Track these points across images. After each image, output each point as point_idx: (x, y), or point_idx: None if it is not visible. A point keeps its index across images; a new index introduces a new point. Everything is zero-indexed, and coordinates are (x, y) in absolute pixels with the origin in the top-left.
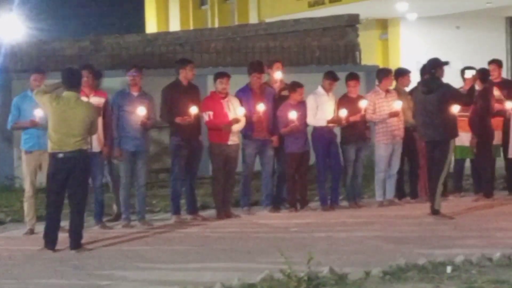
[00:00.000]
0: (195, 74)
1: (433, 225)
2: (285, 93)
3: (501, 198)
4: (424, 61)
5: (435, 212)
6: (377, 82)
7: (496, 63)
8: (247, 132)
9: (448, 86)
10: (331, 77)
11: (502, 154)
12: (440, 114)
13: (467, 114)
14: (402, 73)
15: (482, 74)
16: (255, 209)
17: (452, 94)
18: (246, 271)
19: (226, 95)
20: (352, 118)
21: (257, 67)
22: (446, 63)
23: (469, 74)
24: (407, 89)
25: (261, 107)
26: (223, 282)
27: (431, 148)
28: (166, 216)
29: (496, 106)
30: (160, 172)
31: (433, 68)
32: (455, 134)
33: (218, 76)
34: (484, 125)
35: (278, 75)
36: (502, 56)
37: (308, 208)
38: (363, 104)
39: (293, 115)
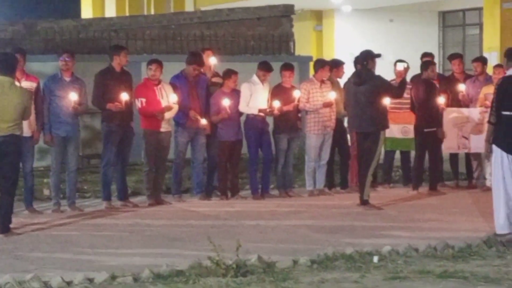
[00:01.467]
0: (128, 60)
1: (361, 215)
2: (216, 80)
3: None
4: (357, 53)
5: (364, 202)
6: (312, 72)
7: (431, 56)
8: (180, 119)
9: (379, 78)
10: (265, 68)
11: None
12: (371, 106)
13: (399, 106)
14: (336, 65)
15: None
16: (186, 196)
17: (383, 86)
18: (175, 258)
19: (159, 82)
20: (285, 108)
21: (196, 59)
22: (378, 55)
23: (400, 66)
24: (341, 80)
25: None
26: (152, 268)
27: (361, 139)
28: (96, 202)
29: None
30: (92, 158)
31: (365, 60)
32: (385, 126)
33: (149, 63)
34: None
35: (212, 60)
36: (434, 50)
37: (239, 196)
38: (296, 94)
39: (226, 102)
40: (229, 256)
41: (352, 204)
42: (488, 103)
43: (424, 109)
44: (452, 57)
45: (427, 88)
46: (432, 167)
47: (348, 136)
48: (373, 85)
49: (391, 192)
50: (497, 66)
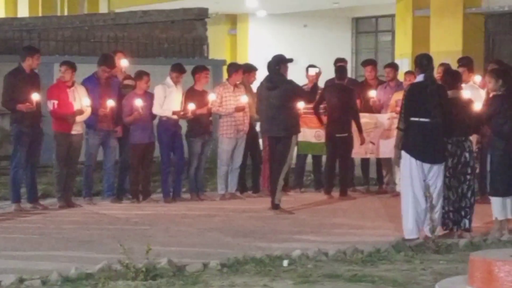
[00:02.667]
0: (40, 63)
1: (272, 219)
2: (128, 82)
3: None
4: (270, 55)
5: (275, 206)
6: (225, 76)
7: (345, 61)
8: (91, 122)
9: (291, 82)
10: (178, 69)
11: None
12: (283, 110)
13: (312, 110)
14: (249, 69)
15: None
16: (97, 199)
17: (294, 91)
18: (84, 261)
19: (72, 84)
20: (198, 111)
21: (106, 61)
22: (290, 60)
23: (312, 71)
24: (253, 85)
25: (110, 103)
26: (60, 271)
27: (274, 143)
28: (5, 204)
29: None
30: (1, 160)
31: (277, 64)
32: (297, 130)
33: (60, 64)
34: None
35: (124, 62)
36: (347, 56)
37: (150, 199)
38: (210, 97)
39: (138, 102)
40: (139, 259)
41: (264, 208)
42: (399, 109)
43: (337, 114)
44: (365, 63)
45: (340, 93)
46: (343, 172)
47: (260, 141)
48: (285, 89)
49: (302, 197)
50: (408, 72)
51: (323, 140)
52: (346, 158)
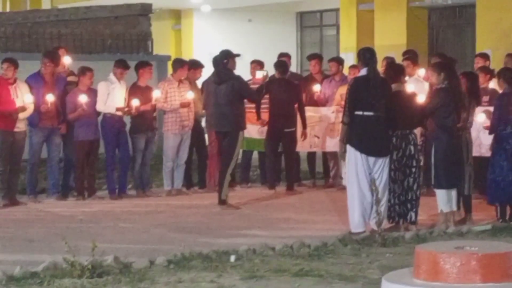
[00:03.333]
0: None
1: (219, 215)
2: (72, 79)
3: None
4: (216, 52)
5: (222, 202)
6: (170, 72)
7: (288, 56)
8: (34, 120)
9: (239, 78)
10: (121, 65)
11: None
12: (230, 105)
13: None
14: (195, 66)
15: (281, 67)
16: (41, 197)
17: (242, 89)
18: (29, 260)
19: (14, 81)
20: (142, 107)
21: (51, 57)
22: (238, 55)
23: (259, 75)
24: (198, 82)
25: (50, 98)
26: (5, 271)
27: (221, 139)
28: None
29: None
30: None
31: (225, 58)
32: (243, 126)
33: (2, 61)
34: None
35: (66, 59)
36: (292, 50)
37: (96, 197)
38: (154, 93)
39: (82, 98)
40: (85, 257)
41: (210, 204)
42: (344, 103)
43: (282, 109)
44: (310, 57)
45: (284, 88)
46: (288, 167)
47: (206, 136)
48: (232, 85)
49: (249, 192)
50: (353, 66)
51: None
52: (291, 152)
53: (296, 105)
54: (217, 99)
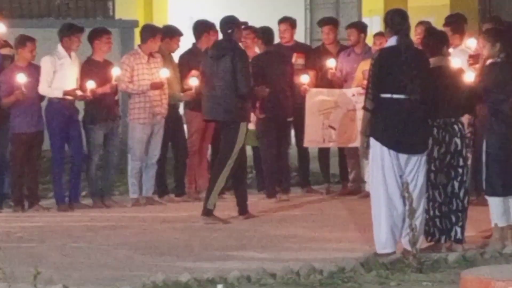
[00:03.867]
0: None
1: (202, 230)
2: (6, 51)
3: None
4: (198, 17)
5: (207, 213)
6: (138, 42)
7: (289, 21)
8: None
9: (242, 53)
10: (73, 31)
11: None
12: (229, 87)
13: None
14: (170, 34)
15: (265, 35)
16: None
17: (237, 66)
18: None
19: None
20: (100, 90)
21: None
22: (245, 23)
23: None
24: (175, 55)
25: None
26: None
27: (215, 130)
28: None
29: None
30: None
31: (229, 27)
32: (246, 115)
33: None
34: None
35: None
36: (300, 14)
37: (39, 207)
38: (115, 71)
39: (20, 78)
40: (24, 286)
41: (190, 216)
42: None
43: (277, 92)
44: (321, 22)
45: (277, 62)
46: (283, 166)
47: (185, 127)
48: (231, 60)
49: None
50: (378, 34)
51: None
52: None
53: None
54: (214, 78)
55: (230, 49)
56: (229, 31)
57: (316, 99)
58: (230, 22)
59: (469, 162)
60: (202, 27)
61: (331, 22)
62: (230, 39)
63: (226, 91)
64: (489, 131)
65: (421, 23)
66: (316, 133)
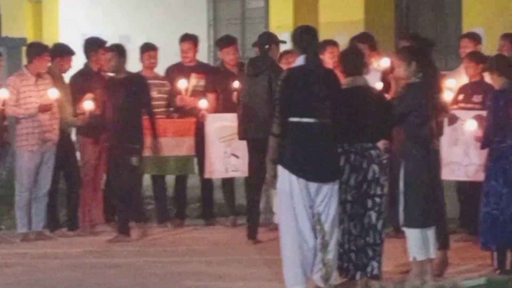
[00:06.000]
0: None
1: (98, 267)
2: None
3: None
4: (93, 34)
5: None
6: (25, 62)
7: (192, 40)
8: None
9: (279, 71)
10: None
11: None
12: (267, 104)
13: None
14: (61, 52)
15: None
16: None
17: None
18: None
19: None
20: None
21: None
22: (284, 41)
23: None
24: (67, 75)
25: None
26: None
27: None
28: None
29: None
30: None
31: (267, 43)
32: None
33: None
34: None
35: None
36: (203, 30)
37: None
38: (2, 94)
39: None
40: None
41: (85, 252)
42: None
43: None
44: (222, 43)
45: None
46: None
47: (78, 155)
48: (269, 77)
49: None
50: (286, 52)
51: (163, 153)
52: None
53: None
54: (250, 96)
55: (267, 66)
56: (266, 47)
57: (216, 125)
58: (268, 39)
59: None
60: (91, 45)
61: (232, 43)
62: (267, 55)
63: (265, 109)
64: (407, 157)
65: (327, 43)
66: (218, 163)
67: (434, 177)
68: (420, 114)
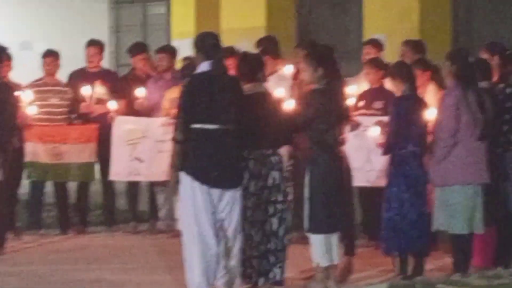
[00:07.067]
0: None
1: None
2: None
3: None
4: None
5: None
6: None
7: (98, 45)
8: None
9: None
10: None
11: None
12: None
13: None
14: None
15: None
16: None
17: None
18: None
19: None
20: None
21: None
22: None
23: None
24: None
25: None
26: None
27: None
28: None
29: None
30: None
31: None
32: None
33: None
34: None
35: None
36: (103, 36)
37: None
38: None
39: None
40: None
41: None
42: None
43: None
44: (135, 50)
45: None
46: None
47: None
48: None
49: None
50: (188, 59)
51: (64, 160)
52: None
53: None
54: None
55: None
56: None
57: (123, 128)
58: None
59: (291, 197)
60: None
61: (142, 50)
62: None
63: None
64: (312, 163)
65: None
66: (123, 165)
67: (339, 183)
68: (325, 120)
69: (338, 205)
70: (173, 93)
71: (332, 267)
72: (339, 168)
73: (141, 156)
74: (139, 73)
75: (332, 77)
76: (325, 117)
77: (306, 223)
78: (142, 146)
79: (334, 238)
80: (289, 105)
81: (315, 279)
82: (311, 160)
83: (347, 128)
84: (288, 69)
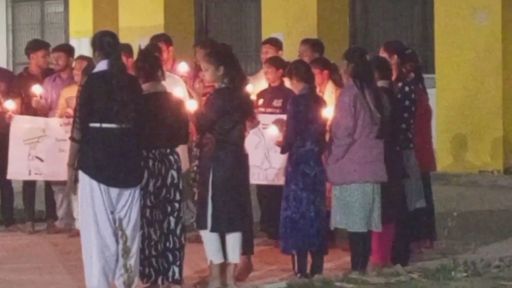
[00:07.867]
0: None
1: None
2: None
3: None
4: None
5: None
6: None
7: None
8: None
9: None
10: None
11: None
12: None
13: None
14: None
15: None
16: None
17: None
18: None
19: None
20: None
21: None
22: None
23: None
24: None
25: None
26: None
27: None
28: None
29: None
30: None
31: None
32: None
33: None
34: None
35: None
36: (2, 34)
37: None
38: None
39: None
40: None
41: None
42: (71, 111)
43: None
44: (33, 46)
45: None
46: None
47: None
48: None
49: None
50: (82, 58)
51: None
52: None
53: None
54: None
55: None
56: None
57: (22, 127)
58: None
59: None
60: None
61: (42, 47)
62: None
63: None
64: (216, 161)
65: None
66: (21, 165)
67: (243, 182)
68: (229, 119)
69: (240, 204)
70: (70, 92)
71: (233, 265)
72: (244, 167)
73: (41, 155)
74: (34, 71)
75: (235, 75)
76: (229, 116)
77: (209, 221)
78: (43, 145)
79: (234, 236)
80: (191, 105)
81: (210, 277)
82: (215, 158)
83: (247, 125)
84: (182, 67)
